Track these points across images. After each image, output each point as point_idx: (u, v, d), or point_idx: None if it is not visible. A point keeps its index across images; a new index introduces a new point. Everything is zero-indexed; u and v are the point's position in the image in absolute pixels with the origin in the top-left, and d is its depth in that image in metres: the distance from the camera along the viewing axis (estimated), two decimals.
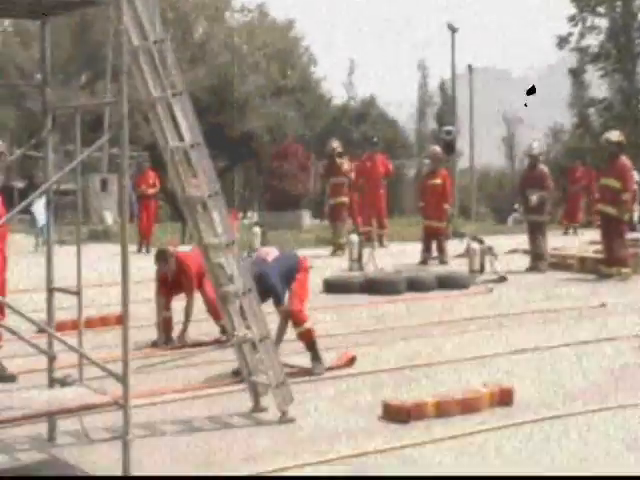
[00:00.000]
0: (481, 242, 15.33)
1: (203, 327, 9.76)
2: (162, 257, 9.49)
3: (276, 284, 7.60)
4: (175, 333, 9.62)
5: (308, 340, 8.06)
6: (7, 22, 47.44)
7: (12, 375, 8.08)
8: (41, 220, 21.55)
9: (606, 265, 15.17)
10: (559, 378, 8.06)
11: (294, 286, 7.98)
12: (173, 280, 9.51)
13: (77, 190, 6.43)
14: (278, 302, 7.78)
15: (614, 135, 15.53)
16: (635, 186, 17.96)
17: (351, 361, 8.51)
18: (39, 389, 6.38)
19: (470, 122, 33.77)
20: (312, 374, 8.02)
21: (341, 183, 20.83)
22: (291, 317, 7.94)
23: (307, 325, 8.00)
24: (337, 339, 9.76)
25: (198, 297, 9.72)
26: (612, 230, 15.14)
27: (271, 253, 8.01)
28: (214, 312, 9.52)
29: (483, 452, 5.97)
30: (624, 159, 15.26)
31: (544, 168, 17.02)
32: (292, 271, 7.99)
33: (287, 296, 7.94)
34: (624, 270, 14.96)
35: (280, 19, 56.70)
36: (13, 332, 5.53)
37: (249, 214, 44.93)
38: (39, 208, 20.81)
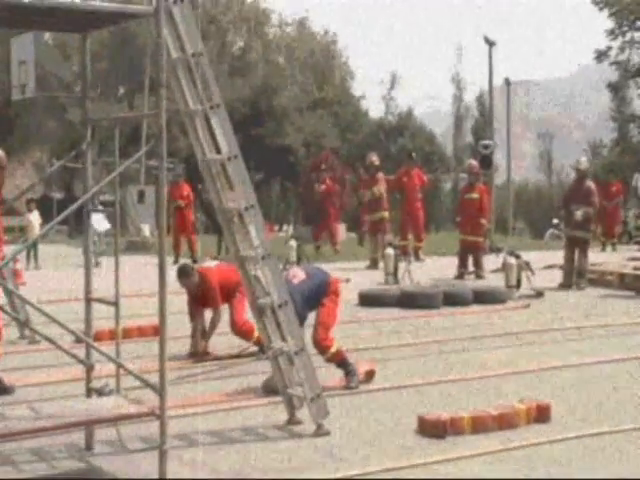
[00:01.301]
0: (518, 257, 15.21)
1: (236, 340, 9.75)
2: (183, 273, 9.54)
3: (296, 306, 7.48)
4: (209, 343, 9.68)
5: (338, 360, 8.05)
6: (47, 35, 48.07)
7: (10, 387, 7.97)
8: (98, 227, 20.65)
9: None
10: (597, 395, 7.96)
11: (320, 312, 7.95)
12: (198, 294, 9.55)
13: (115, 201, 6.50)
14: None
15: None
16: None
17: (369, 375, 8.43)
18: (77, 398, 6.44)
19: (507, 136, 33.58)
20: (347, 388, 8.00)
21: (379, 197, 20.76)
22: (315, 346, 7.90)
23: (332, 350, 7.96)
24: (372, 353, 9.74)
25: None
26: None
27: (298, 275, 7.98)
28: (238, 333, 9.53)
29: (520, 468, 5.91)
30: None
31: (591, 184, 16.45)
32: (318, 294, 7.92)
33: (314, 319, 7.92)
34: None
35: (319, 32, 56.97)
36: (52, 341, 5.57)
37: (285, 227, 45.06)
38: (97, 217, 19.02)
